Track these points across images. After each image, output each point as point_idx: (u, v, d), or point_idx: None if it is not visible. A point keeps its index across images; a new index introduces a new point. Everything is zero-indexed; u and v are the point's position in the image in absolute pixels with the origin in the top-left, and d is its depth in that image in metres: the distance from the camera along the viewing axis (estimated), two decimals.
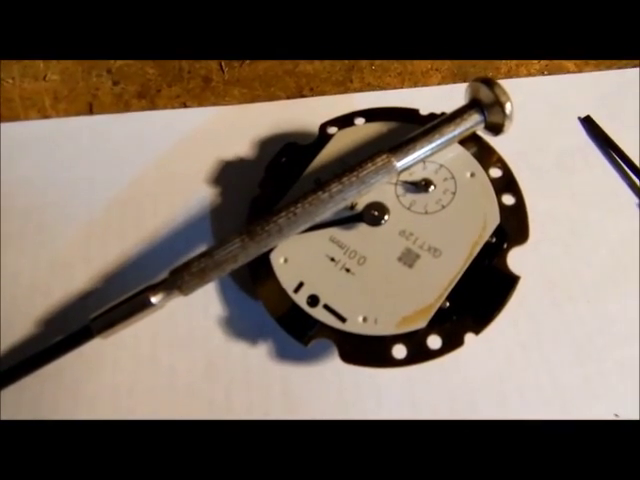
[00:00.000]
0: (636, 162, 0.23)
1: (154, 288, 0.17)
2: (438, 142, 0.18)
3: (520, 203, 0.17)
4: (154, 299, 0.17)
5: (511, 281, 0.16)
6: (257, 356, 0.18)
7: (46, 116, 0.25)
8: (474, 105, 0.18)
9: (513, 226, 0.17)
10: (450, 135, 0.18)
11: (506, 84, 0.26)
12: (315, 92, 0.27)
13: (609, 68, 0.27)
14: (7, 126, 0.24)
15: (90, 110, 0.26)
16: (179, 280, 0.17)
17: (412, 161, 0.17)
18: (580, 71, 0.27)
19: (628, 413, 0.18)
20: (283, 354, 0.19)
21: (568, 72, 0.27)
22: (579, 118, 0.25)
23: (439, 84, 0.27)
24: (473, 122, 0.18)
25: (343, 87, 0.27)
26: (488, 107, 0.18)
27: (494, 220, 0.17)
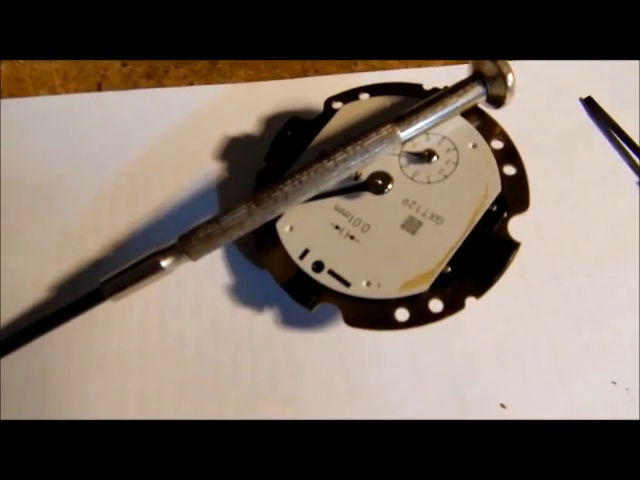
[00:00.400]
0: (636, 141, 0.23)
1: (163, 252, 0.17)
2: (441, 113, 0.18)
3: (521, 173, 0.18)
4: (164, 263, 0.17)
5: (511, 246, 0.16)
6: (263, 322, 0.19)
7: (56, 94, 0.26)
8: (477, 77, 0.18)
9: (514, 195, 0.17)
10: (453, 106, 0.18)
11: (510, 65, 0.27)
12: (320, 74, 0.27)
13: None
14: (17, 101, 0.24)
15: (99, 90, 0.26)
16: (187, 245, 0.17)
17: (415, 132, 0.18)
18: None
19: (625, 380, 0.18)
20: (288, 321, 0.19)
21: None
22: (580, 99, 0.25)
23: (443, 66, 0.27)
24: (475, 94, 0.18)
25: (348, 69, 0.27)
26: (490, 79, 0.18)
27: (495, 189, 0.17)
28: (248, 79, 0.26)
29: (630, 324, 0.19)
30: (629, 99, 0.25)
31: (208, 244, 0.17)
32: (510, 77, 0.17)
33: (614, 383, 0.18)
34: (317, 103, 0.22)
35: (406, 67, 0.27)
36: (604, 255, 0.21)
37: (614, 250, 0.21)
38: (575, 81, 0.26)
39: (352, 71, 0.27)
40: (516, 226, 0.17)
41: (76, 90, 0.26)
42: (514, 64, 0.27)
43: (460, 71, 0.20)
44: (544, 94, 0.25)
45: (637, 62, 0.26)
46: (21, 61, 0.27)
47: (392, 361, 0.18)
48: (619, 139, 0.24)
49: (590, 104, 0.25)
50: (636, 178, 0.23)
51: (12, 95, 0.26)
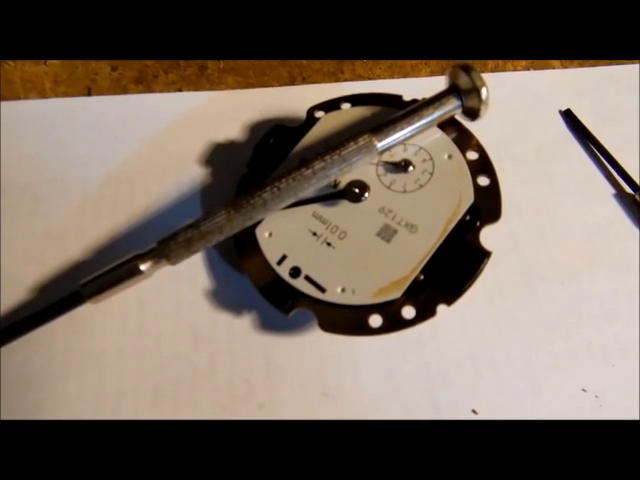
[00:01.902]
0: (613, 154, 0.24)
1: (143, 256, 0.17)
2: (417, 124, 0.18)
3: (494, 184, 0.18)
4: (143, 267, 0.17)
5: (482, 255, 0.17)
6: (241, 326, 0.19)
7: (45, 97, 0.26)
8: (452, 90, 0.19)
9: (487, 205, 0.18)
10: (429, 118, 0.18)
11: (492, 77, 0.28)
12: (307, 82, 0.27)
13: (592, 66, 0.28)
14: (7, 104, 0.24)
15: (89, 94, 0.27)
16: (166, 249, 0.17)
17: (392, 142, 0.18)
18: (564, 68, 0.28)
19: (595, 388, 0.19)
20: (266, 325, 0.19)
21: (553, 69, 0.28)
22: (560, 111, 0.26)
23: (427, 77, 0.28)
24: (451, 106, 0.19)
25: (334, 77, 0.28)
26: (465, 92, 0.18)
27: (468, 199, 0.18)
28: (236, 86, 0.27)
29: (601, 332, 0.20)
30: (607, 111, 0.26)
31: (187, 249, 0.17)
32: (484, 90, 0.18)
33: (584, 390, 0.19)
34: (302, 110, 0.22)
35: (392, 77, 0.28)
36: (578, 264, 0.21)
37: (588, 260, 0.21)
38: (555, 92, 0.26)
39: (338, 80, 0.27)
40: (491, 235, 0.18)
41: (65, 94, 0.27)
42: (496, 75, 0.28)
43: (442, 82, 0.20)
44: (525, 104, 0.26)
45: (615, 72, 0.27)
46: (11, 63, 0.28)
47: (367, 366, 0.19)
48: (596, 151, 0.24)
49: (569, 116, 0.25)
50: (612, 190, 0.23)
51: (1, 97, 0.26)
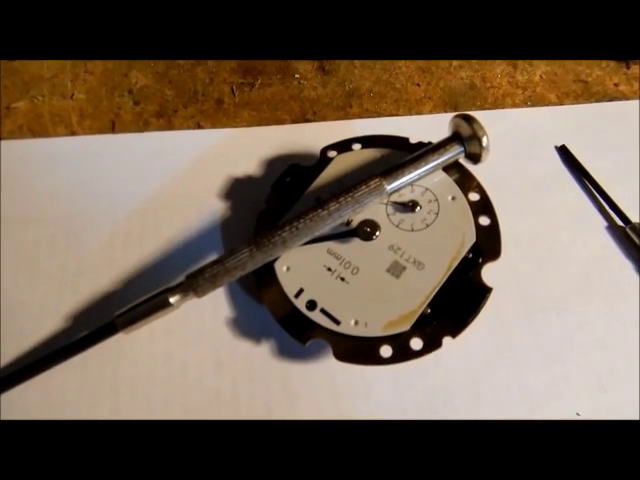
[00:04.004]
0: (606, 189, 0.25)
1: (172, 290, 0.19)
2: (424, 169, 0.20)
3: (494, 224, 0.20)
4: (172, 299, 0.19)
5: (484, 291, 0.18)
6: (260, 354, 0.21)
7: (73, 132, 0.28)
8: (456, 137, 0.20)
9: (487, 244, 0.19)
10: (434, 163, 0.20)
11: (491, 114, 0.29)
12: (318, 116, 0.29)
13: (587, 101, 0.30)
14: (40, 142, 0.26)
15: (112, 127, 0.28)
16: (194, 283, 0.19)
17: (401, 185, 0.20)
18: (561, 103, 0.30)
19: (589, 413, 0.20)
20: (283, 353, 0.21)
21: (550, 103, 0.30)
22: (555, 147, 0.27)
23: (431, 112, 0.29)
24: (454, 152, 0.20)
25: (343, 112, 0.29)
26: (467, 140, 0.20)
27: (471, 238, 0.19)
28: (251, 119, 0.29)
29: (595, 360, 0.21)
30: (600, 146, 0.27)
31: (213, 283, 0.19)
32: (485, 139, 0.19)
33: (578, 415, 0.20)
34: (314, 148, 0.24)
35: (397, 112, 0.29)
36: (573, 294, 0.23)
37: (582, 290, 0.23)
38: (551, 128, 0.28)
39: (347, 114, 0.29)
40: (491, 267, 0.19)
41: (91, 127, 0.28)
42: (495, 113, 0.29)
43: (445, 120, 0.22)
44: (522, 140, 0.27)
45: (607, 108, 0.29)
46: (40, 98, 0.30)
47: (377, 392, 0.20)
48: (589, 185, 0.26)
49: (564, 152, 0.27)
50: (604, 223, 0.25)
51: (32, 131, 0.28)
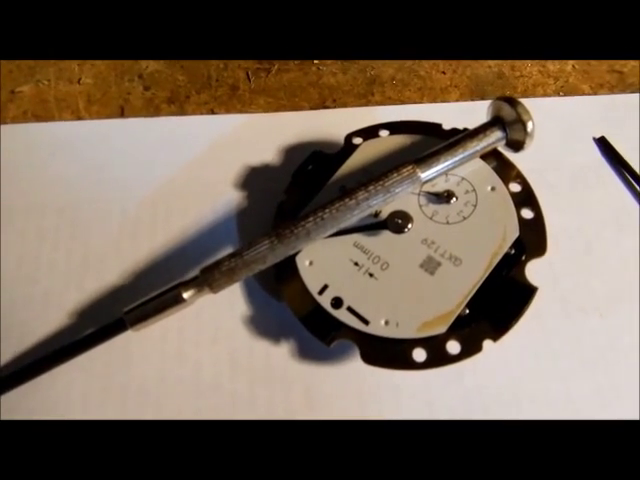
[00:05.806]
0: None
1: (186, 284, 0.17)
2: (461, 156, 0.18)
3: (539, 217, 0.18)
4: (185, 295, 0.17)
5: (529, 291, 0.17)
6: (279, 355, 0.19)
7: (79, 118, 0.27)
8: (496, 122, 0.19)
9: (531, 239, 0.18)
10: (473, 150, 0.18)
11: (524, 103, 0.28)
12: (337, 104, 0.28)
13: (622, 92, 0.28)
14: (44, 126, 0.25)
15: (122, 113, 0.27)
16: (210, 278, 0.17)
17: (436, 173, 0.18)
18: (595, 94, 0.28)
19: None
20: (305, 354, 0.19)
21: (583, 94, 0.28)
22: (594, 138, 0.25)
23: (457, 100, 0.28)
24: (495, 138, 0.19)
25: (365, 100, 0.28)
26: (510, 125, 0.18)
27: (513, 232, 0.18)
28: (267, 106, 0.27)
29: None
30: (638, 139, 0.26)
31: (230, 277, 0.17)
32: (530, 124, 0.18)
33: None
34: (336, 135, 0.23)
35: (421, 101, 0.28)
36: (616, 295, 0.21)
37: (626, 290, 0.21)
38: (586, 119, 0.26)
39: (369, 102, 0.27)
40: (531, 267, 0.18)
41: (99, 113, 0.27)
42: (527, 102, 0.28)
43: (473, 107, 0.20)
44: (558, 131, 0.26)
45: None
46: (46, 82, 0.28)
47: (408, 398, 0.18)
48: (631, 179, 0.24)
49: (603, 143, 0.25)
50: None
51: (36, 116, 0.26)
